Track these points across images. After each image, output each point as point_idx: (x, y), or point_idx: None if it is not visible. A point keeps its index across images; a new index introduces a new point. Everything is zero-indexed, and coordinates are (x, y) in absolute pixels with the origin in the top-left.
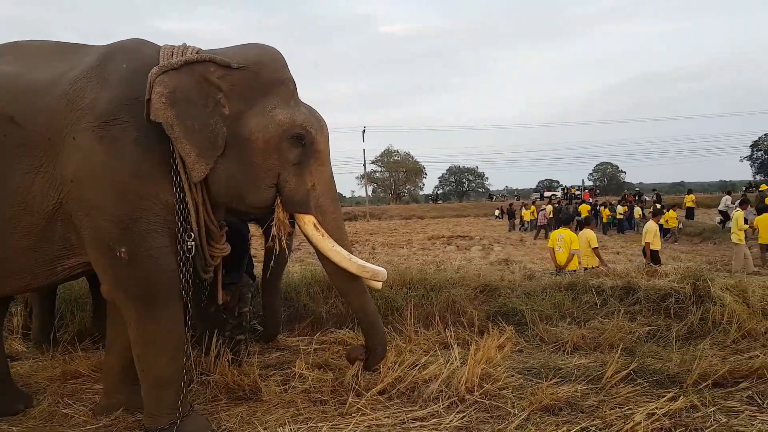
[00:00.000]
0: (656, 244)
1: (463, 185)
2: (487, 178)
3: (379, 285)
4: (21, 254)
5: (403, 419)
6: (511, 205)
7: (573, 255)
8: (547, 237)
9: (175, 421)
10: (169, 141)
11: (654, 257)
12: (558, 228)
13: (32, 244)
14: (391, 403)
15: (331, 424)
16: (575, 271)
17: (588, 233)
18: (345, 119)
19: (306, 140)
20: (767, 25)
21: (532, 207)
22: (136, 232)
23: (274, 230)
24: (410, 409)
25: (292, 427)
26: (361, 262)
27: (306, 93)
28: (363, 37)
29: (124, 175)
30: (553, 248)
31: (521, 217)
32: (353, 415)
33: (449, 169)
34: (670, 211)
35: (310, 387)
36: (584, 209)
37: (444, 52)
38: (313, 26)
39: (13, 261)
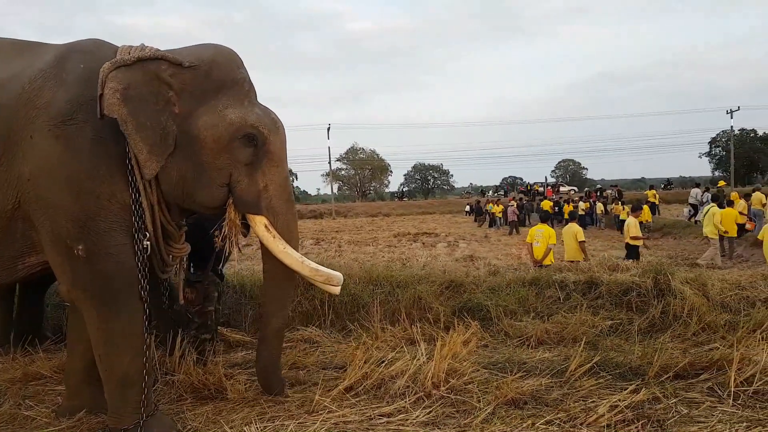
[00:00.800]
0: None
1: (428, 182)
2: (452, 175)
3: (336, 290)
4: None
5: (370, 415)
6: (478, 201)
7: (550, 250)
8: (517, 232)
9: (139, 421)
10: (125, 141)
11: (635, 252)
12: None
13: None
14: (357, 399)
15: (297, 422)
16: (550, 265)
17: (575, 227)
18: (310, 117)
19: (258, 141)
20: (720, 26)
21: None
22: (93, 230)
23: (225, 230)
24: (377, 405)
25: (258, 426)
26: (314, 265)
27: (271, 90)
28: (328, 34)
29: (81, 174)
30: (531, 243)
31: (491, 213)
32: (320, 412)
33: (414, 167)
34: (644, 206)
35: None
36: (546, 205)
37: (408, 50)
38: (277, 23)
39: None
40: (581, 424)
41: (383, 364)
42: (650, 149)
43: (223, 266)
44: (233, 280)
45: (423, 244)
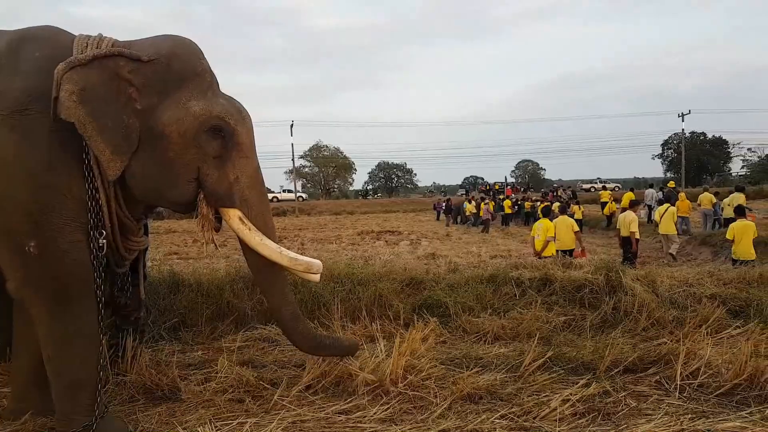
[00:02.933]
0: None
1: (392, 181)
2: (416, 174)
3: (316, 277)
4: None
5: (328, 413)
6: (448, 200)
7: (548, 242)
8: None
9: (89, 424)
10: (81, 137)
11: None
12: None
13: None
14: (315, 398)
15: (253, 421)
16: (551, 257)
17: (568, 220)
18: (272, 113)
19: (225, 132)
20: (675, 32)
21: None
22: (47, 225)
23: (198, 226)
24: (335, 403)
25: (213, 426)
26: (292, 254)
27: (232, 86)
28: (292, 29)
29: (37, 167)
30: (534, 236)
31: (463, 212)
32: (277, 411)
33: (378, 165)
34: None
35: (233, 385)
36: (506, 204)
37: (372, 48)
38: (240, 17)
39: None
40: (534, 417)
41: (342, 362)
42: (607, 150)
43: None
44: (190, 278)
45: (386, 242)
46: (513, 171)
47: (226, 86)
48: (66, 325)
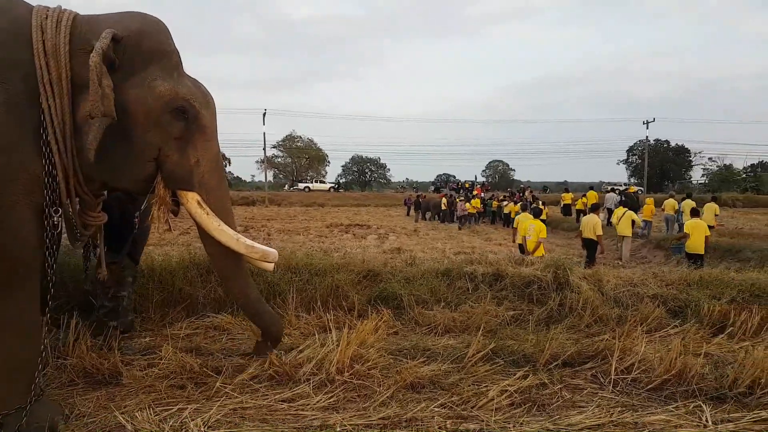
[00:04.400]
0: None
1: (365, 175)
2: (389, 169)
3: (270, 266)
4: None
5: (270, 401)
6: (419, 196)
7: (540, 243)
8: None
9: (23, 407)
10: (39, 109)
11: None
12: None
13: None
14: (259, 386)
15: (194, 407)
16: (541, 257)
17: (594, 218)
18: (245, 101)
19: (189, 114)
20: (643, 39)
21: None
22: None
23: (154, 208)
24: (279, 391)
25: (152, 411)
26: (249, 242)
27: (204, 73)
28: (264, 18)
29: None
30: (524, 236)
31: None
32: (219, 398)
33: (352, 159)
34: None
35: (176, 371)
36: (476, 203)
37: (348, 40)
38: (211, 4)
39: None
40: (472, 407)
41: (292, 352)
42: (575, 154)
43: (140, 251)
44: (142, 263)
45: (354, 235)
46: (484, 171)
47: (198, 72)
48: (7, 307)
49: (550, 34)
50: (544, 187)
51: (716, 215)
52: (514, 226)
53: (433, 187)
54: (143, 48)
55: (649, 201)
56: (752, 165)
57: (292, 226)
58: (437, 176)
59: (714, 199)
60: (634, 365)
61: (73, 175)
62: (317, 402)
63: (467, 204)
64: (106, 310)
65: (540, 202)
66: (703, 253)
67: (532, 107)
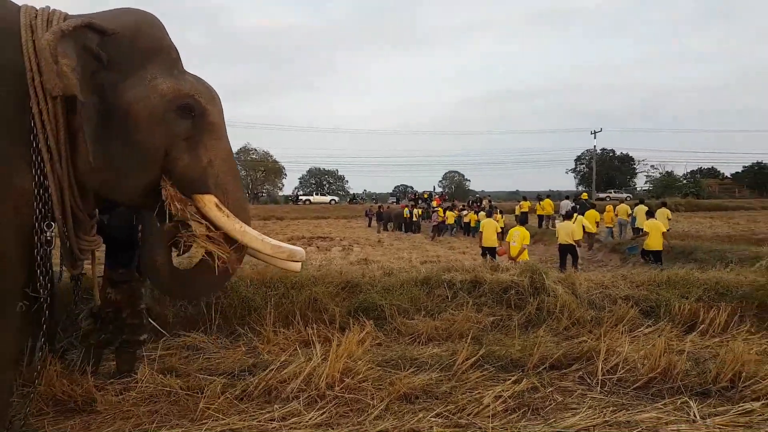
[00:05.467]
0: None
1: (323, 187)
2: (347, 181)
3: (297, 266)
4: None
5: (260, 420)
6: (380, 207)
7: (524, 249)
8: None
9: None
10: (28, 115)
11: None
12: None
13: None
14: (245, 405)
15: (180, 431)
16: (526, 261)
17: (493, 222)
18: None
19: (196, 111)
20: (590, 54)
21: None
22: None
23: (171, 207)
24: (268, 410)
25: None
26: (275, 242)
27: None
28: (218, 30)
29: None
30: (509, 242)
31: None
32: (204, 421)
33: (310, 171)
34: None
35: (154, 395)
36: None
37: (304, 51)
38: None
39: None
40: (468, 414)
41: (273, 369)
42: (527, 163)
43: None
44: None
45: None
46: (440, 181)
47: None
48: None
49: (501, 49)
50: (524, 197)
51: (668, 219)
52: (480, 230)
53: (393, 198)
54: (140, 45)
55: (609, 208)
56: (692, 171)
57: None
58: (395, 187)
59: (664, 204)
60: (619, 365)
61: (68, 188)
62: (310, 419)
63: (448, 213)
64: (132, 327)
65: (498, 210)
66: (661, 249)
67: (485, 119)
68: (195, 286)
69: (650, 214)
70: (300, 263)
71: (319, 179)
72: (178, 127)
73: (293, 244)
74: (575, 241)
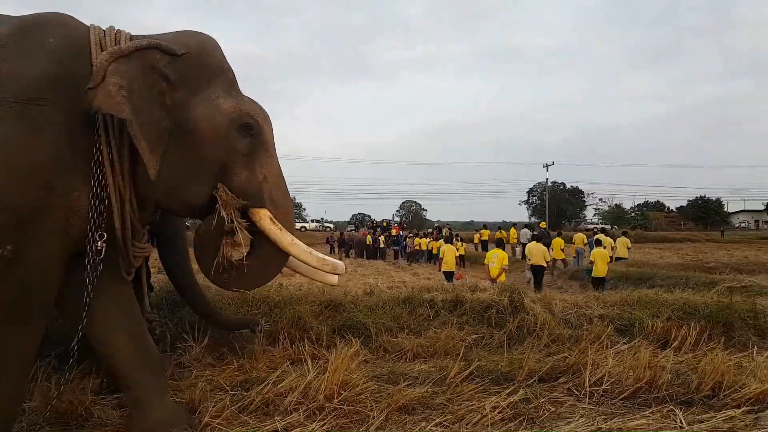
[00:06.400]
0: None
1: None
2: (305, 208)
3: (336, 279)
4: None
5: None
6: (341, 234)
7: (503, 270)
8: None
9: None
10: (93, 130)
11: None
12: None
13: None
14: (246, 418)
15: None
16: (503, 282)
17: (452, 248)
18: None
19: (254, 130)
20: (542, 90)
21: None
22: (31, 232)
23: (223, 212)
24: (269, 423)
25: None
26: (320, 255)
27: None
28: None
29: (39, 166)
30: (488, 264)
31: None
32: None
33: None
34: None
35: None
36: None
37: (258, 81)
38: None
39: None
40: (467, 424)
41: (267, 384)
42: (482, 194)
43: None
44: None
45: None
46: (398, 210)
47: None
48: (6, 342)
49: (455, 84)
50: (499, 227)
51: (628, 248)
52: (441, 255)
53: (352, 227)
54: (204, 65)
55: (577, 236)
56: (639, 205)
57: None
58: (353, 215)
59: (624, 234)
60: (604, 378)
61: (128, 200)
62: (312, 430)
63: (422, 240)
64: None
65: (458, 237)
66: (605, 276)
67: (441, 150)
68: (249, 278)
69: (598, 243)
70: (338, 277)
71: None
72: (239, 145)
73: None
74: (547, 262)
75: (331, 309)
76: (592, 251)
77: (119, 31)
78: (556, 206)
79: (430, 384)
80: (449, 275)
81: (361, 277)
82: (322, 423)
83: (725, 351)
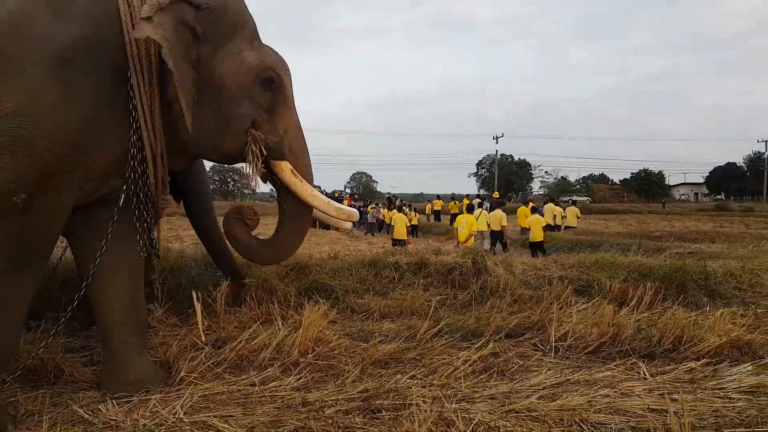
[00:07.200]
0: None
1: (228, 185)
2: (254, 180)
3: (349, 225)
4: None
5: (239, 386)
6: None
7: (471, 235)
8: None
9: None
10: (127, 90)
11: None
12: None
13: None
14: (222, 372)
15: (159, 397)
16: (471, 246)
17: (403, 216)
18: None
19: (275, 83)
20: (489, 63)
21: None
22: (47, 184)
23: (247, 167)
24: (244, 377)
25: (113, 403)
26: (337, 204)
27: None
28: None
29: (74, 125)
30: (457, 228)
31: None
32: (184, 387)
33: (213, 168)
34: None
35: None
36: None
37: None
38: None
39: None
40: (440, 376)
41: (239, 342)
42: (431, 166)
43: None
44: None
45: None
46: (348, 182)
47: None
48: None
49: (404, 54)
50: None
51: (578, 217)
52: (393, 224)
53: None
54: (228, 19)
55: (522, 209)
56: (584, 177)
57: (164, 235)
58: None
59: (574, 203)
60: (568, 334)
61: (160, 153)
62: (288, 383)
63: (384, 211)
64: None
65: (412, 208)
66: (542, 239)
67: (389, 121)
68: (275, 249)
69: (534, 210)
70: (351, 223)
71: (223, 176)
72: (262, 98)
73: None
74: (502, 227)
75: (296, 271)
76: (527, 219)
77: None
78: (504, 179)
79: (401, 341)
80: (400, 242)
81: (315, 246)
82: (298, 377)
83: (680, 310)
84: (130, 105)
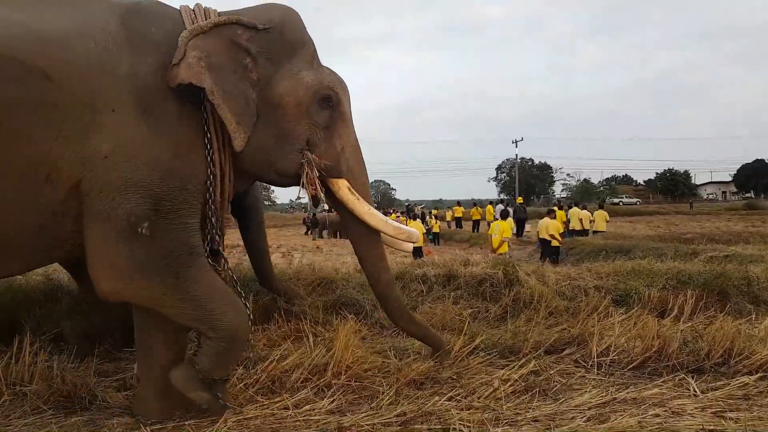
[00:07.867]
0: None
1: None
2: (273, 191)
3: (410, 246)
4: (29, 232)
5: (273, 410)
6: (314, 214)
7: (504, 242)
8: None
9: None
10: (202, 114)
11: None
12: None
13: (44, 221)
14: (254, 395)
15: (193, 423)
16: (505, 254)
17: (420, 224)
18: None
19: (333, 102)
20: (497, 65)
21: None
22: (162, 209)
23: (305, 192)
24: (277, 400)
25: (147, 429)
26: (396, 224)
27: None
28: None
29: (167, 154)
30: (491, 235)
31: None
32: None
33: None
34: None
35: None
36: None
37: None
38: None
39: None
40: (479, 397)
41: (271, 362)
42: (450, 172)
43: None
44: (69, 284)
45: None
46: None
47: None
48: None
49: (414, 59)
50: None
51: (607, 221)
52: None
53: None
54: (286, 38)
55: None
56: (607, 179)
57: None
58: None
59: (601, 207)
60: (611, 348)
61: (228, 175)
62: (323, 406)
63: (403, 219)
64: None
65: (433, 216)
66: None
67: (405, 127)
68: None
69: (549, 212)
70: (412, 244)
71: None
72: (320, 117)
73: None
74: (550, 235)
75: (323, 286)
76: (540, 222)
77: (207, 9)
78: (525, 182)
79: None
80: (417, 250)
81: (336, 256)
82: (331, 399)
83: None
84: (204, 127)
